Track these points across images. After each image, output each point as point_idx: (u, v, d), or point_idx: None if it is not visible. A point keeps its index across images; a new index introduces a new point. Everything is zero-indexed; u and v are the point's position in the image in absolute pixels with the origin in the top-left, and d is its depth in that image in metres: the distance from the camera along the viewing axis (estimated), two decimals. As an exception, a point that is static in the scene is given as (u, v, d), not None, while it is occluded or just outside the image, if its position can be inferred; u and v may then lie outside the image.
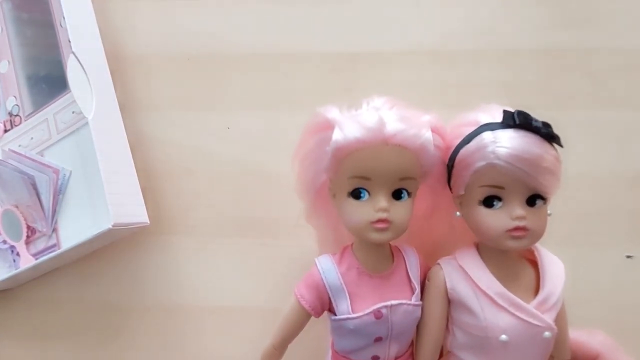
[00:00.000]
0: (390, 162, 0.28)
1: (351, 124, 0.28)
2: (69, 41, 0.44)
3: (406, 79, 0.46)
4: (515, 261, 0.31)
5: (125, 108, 0.48)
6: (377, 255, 0.31)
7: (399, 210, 0.29)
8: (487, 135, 0.28)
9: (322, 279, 0.31)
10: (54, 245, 0.44)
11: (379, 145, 0.28)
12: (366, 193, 0.29)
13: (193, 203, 0.46)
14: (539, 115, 0.43)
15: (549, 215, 0.30)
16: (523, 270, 0.30)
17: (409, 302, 0.30)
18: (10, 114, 0.48)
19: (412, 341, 0.34)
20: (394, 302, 0.30)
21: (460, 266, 0.31)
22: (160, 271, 0.46)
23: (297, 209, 0.37)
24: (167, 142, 0.48)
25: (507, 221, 0.28)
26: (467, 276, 0.30)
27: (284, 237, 0.44)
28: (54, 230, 0.44)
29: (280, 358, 0.34)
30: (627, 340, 0.41)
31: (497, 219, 0.28)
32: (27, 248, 0.45)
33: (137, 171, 0.47)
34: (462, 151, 0.29)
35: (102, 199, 0.41)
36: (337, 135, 0.28)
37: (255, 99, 0.48)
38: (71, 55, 0.44)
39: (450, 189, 0.32)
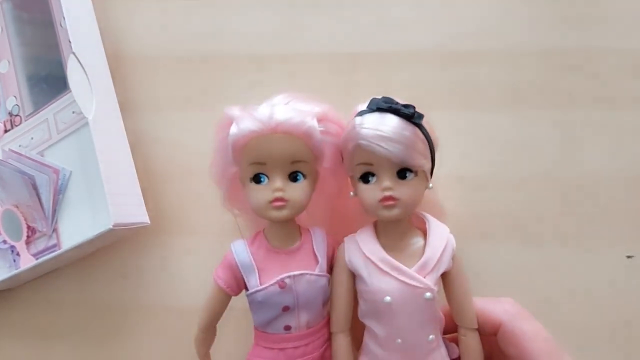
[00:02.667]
0: (281, 148, 0.32)
1: (246, 118, 0.33)
2: (69, 41, 0.44)
3: (406, 80, 0.46)
4: (407, 232, 0.34)
5: (125, 108, 0.48)
6: (283, 233, 0.35)
7: (295, 190, 0.33)
8: (356, 120, 0.32)
9: (234, 258, 0.34)
10: (54, 246, 0.44)
11: (270, 134, 0.32)
12: (265, 178, 0.33)
13: (193, 203, 0.46)
14: (540, 115, 0.44)
15: (430, 188, 0.33)
16: (413, 239, 0.33)
17: (311, 272, 0.34)
18: (11, 114, 0.48)
19: (328, 313, 0.36)
20: (296, 272, 0.33)
21: (356, 240, 0.34)
22: (161, 271, 0.46)
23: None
24: (167, 142, 0.48)
25: (379, 193, 0.32)
26: (360, 248, 0.33)
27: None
28: (54, 230, 0.44)
29: (212, 340, 0.37)
30: (626, 339, 0.41)
31: (371, 192, 0.32)
32: (28, 248, 0.45)
33: (137, 171, 0.47)
34: (342, 137, 0.34)
35: (102, 199, 0.41)
36: (233, 129, 0.33)
37: (254, 99, 0.47)
38: (71, 55, 0.44)
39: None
